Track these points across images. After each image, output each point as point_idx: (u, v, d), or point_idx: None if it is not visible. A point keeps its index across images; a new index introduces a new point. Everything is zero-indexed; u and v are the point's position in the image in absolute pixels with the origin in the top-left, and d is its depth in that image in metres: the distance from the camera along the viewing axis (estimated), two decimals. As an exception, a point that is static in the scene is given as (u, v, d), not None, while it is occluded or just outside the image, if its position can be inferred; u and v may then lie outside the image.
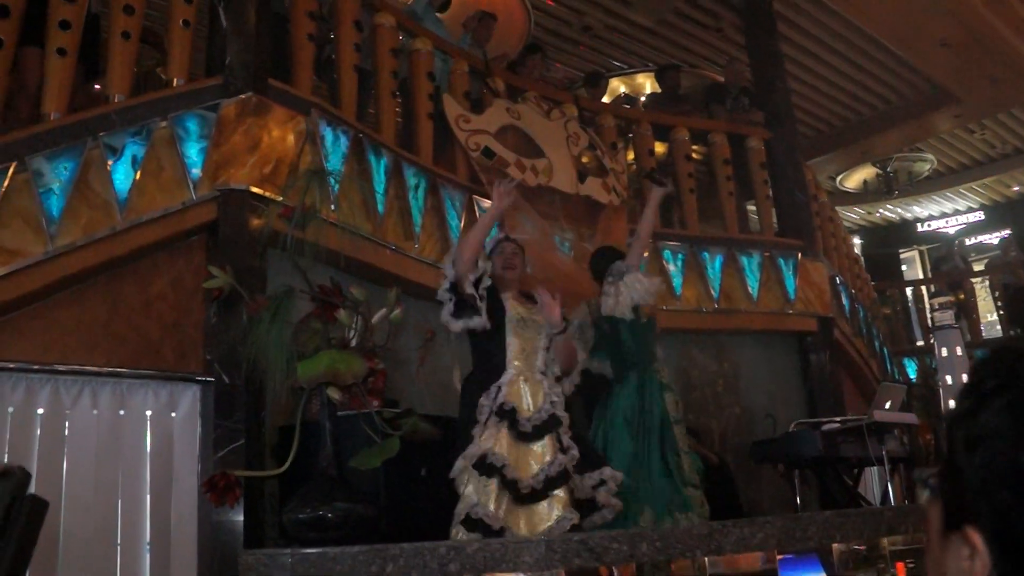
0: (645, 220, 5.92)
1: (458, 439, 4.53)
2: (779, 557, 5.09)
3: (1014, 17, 10.13)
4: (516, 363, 4.59)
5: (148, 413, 4.75)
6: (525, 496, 4.37)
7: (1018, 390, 0.87)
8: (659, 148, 8.82)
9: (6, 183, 4.42)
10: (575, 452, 4.52)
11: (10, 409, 4.32)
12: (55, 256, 4.49)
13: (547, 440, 4.48)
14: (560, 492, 4.43)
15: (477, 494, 4.30)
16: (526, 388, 4.56)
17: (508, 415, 4.44)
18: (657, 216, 5.99)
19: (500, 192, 4.78)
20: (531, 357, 4.64)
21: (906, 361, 11.45)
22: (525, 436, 4.45)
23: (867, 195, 15.66)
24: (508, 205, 4.90)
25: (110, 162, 4.78)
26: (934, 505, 0.93)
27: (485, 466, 4.33)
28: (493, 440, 4.38)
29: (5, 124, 4.84)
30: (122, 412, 4.67)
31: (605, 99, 10.05)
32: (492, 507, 4.28)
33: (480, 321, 4.57)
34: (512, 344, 4.62)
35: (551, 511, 4.40)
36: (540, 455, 4.44)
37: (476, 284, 4.59)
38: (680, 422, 5.37)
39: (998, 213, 16.99)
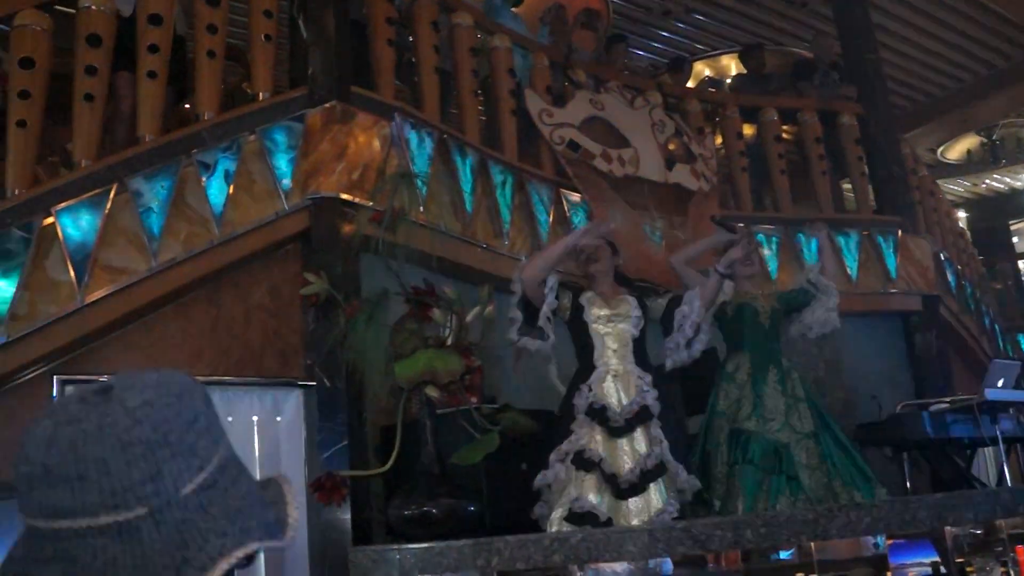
0: (691, 249, 5.83)
1: (555, 436, 4.65)
2: (889, 542, 5.09)
3: None
4: (606, 358, 4.72)
5: (255, 419, 5.01)
6: (624, 491, 4.47)
7: None
8: (747, 130, 8.85)
9: (109, 204, 4.73)
10: (666, 443, 4.59)
11: (125, 420, 4.60)
12: (158, 272, 4.79)
13: (639, 432, 4.58)
14: (658, 484, 4.52)
15: (577, 489, 4.43)
16: (617, 384, 4.66)
17: (598, 414, 4.57)
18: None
19: (589, 229, 4.96)
20: (622, 350, 4.75)
21: (1020, 337, 11.26)
22: (617, 431, 4.55)
23: (971, 166, 15.30)
24: (586, 242, 4.96)
25: (204, 178, 5.06)
26: None
27: (583, 461, 4.47)
28: (588, 437, 4.52)
29: (104, 148, 5.16)
30: (230, 418, 4.92)
31: (689, 84, 10.09)
32: (594, 499, 4.41)
33: (542, 345, 4.75)
34: (598, 341, 4.76)
35: (651, 503, 4.48)
36: (634, 448, 4.54)
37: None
38: (723, 414, 5.34)
39: (1114, 178, 16.52)
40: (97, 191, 4.74)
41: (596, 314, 4.80)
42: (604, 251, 5.01)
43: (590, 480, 4.46)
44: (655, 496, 4.50)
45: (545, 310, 4.74)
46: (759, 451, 5.08)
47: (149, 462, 1.06)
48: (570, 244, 4.92)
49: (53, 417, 1.07)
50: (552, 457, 4.53)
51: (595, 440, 4.52)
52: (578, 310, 4.82)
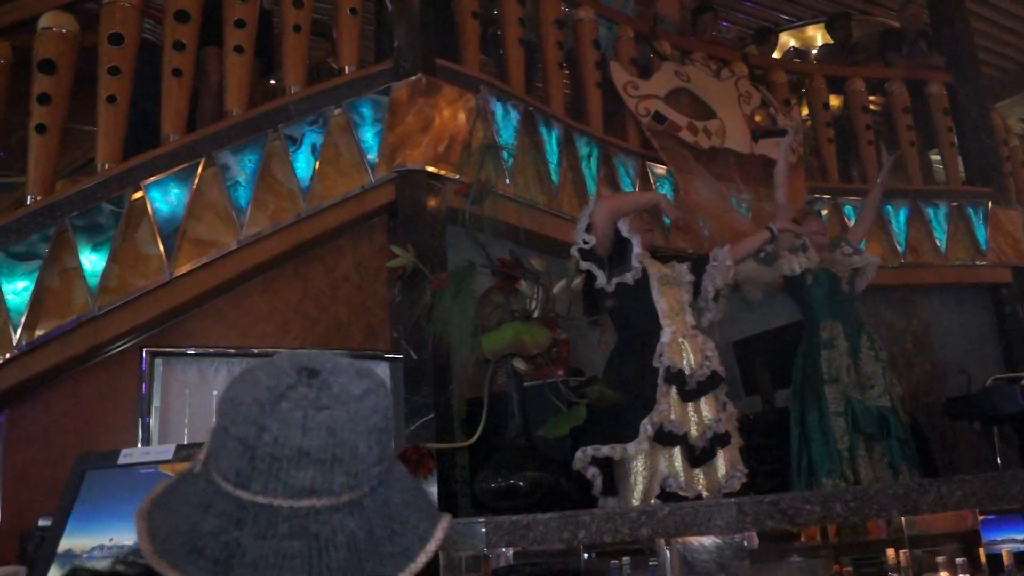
0: (778, 181, 5.46)
1: (627, 406, 4.37)
2: (981, 518, 4.88)
3: None
4: (668, 321, 4.48)
5: (341, 391, 4.88)
6: (697, 458, 4.30)
7: None
8: (834, 101, 8.53)
9: (196, 178, 4.63)
10: (732, 408, 4.46)
11: (214, 392, 4.54)
12: (246, 245, 4.69)
13: (708, 399, 4.39)
14: (728, 450, 4.35)
15: (666, 467, 4.23)
16: (685, 344, 4.44)
17: (676, 377, 4.35)
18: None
19: (676, 205, 4.75)
20: (680, 314, 4.52)
21: (1112, 309, 10.78)
22: (690, 394, 4.36)
23: (1063, 136, 14.81)
24: (670, 211, 4.82)
25: (291, 152, 4.95)
26: None
27: (665, 435, 4.26)
28: (666, 405, 4.30)
29: (192, 123, 5.05)
30: (317, 391, 4.82)
31: (775, 55, 9.79)
32: (683, 477, 4.22)
33: (628, 275, 4.51)
34: (661, 303, 4.52)
35: (718, 470, 4.32)
36: (702, 414, 4.36)
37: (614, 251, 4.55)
38: (836, 381, 5.14)
39: None
40: (185, 165, 4.66)
41: (658, 273, 4.57)
42: (656, 221, 4.89)
43: (676, 453, 4.26)
44: (721, 463, 4.34)
45: (636, 249, 4.49)
46: (868, 420, 4.90)
47: (382, 445, 1.19)
48: (654, 200, 4.75)
49: (288, 399, 1.14)
50: (643, 429, 4.24)
51: (674, 408, 4.31)
52: (641, 274, 4.55)
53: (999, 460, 6.67)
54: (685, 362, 4.41)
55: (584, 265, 4.57)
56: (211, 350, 4.60)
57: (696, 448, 4.28)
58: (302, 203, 4.88)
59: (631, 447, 4.25)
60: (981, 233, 8.08)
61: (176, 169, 4.63)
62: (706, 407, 4.37)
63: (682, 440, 4.26)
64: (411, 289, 4.90)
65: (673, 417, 4.27)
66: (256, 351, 4.70)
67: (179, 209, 4.55)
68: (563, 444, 4.60)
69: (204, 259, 4.56)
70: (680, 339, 4.45)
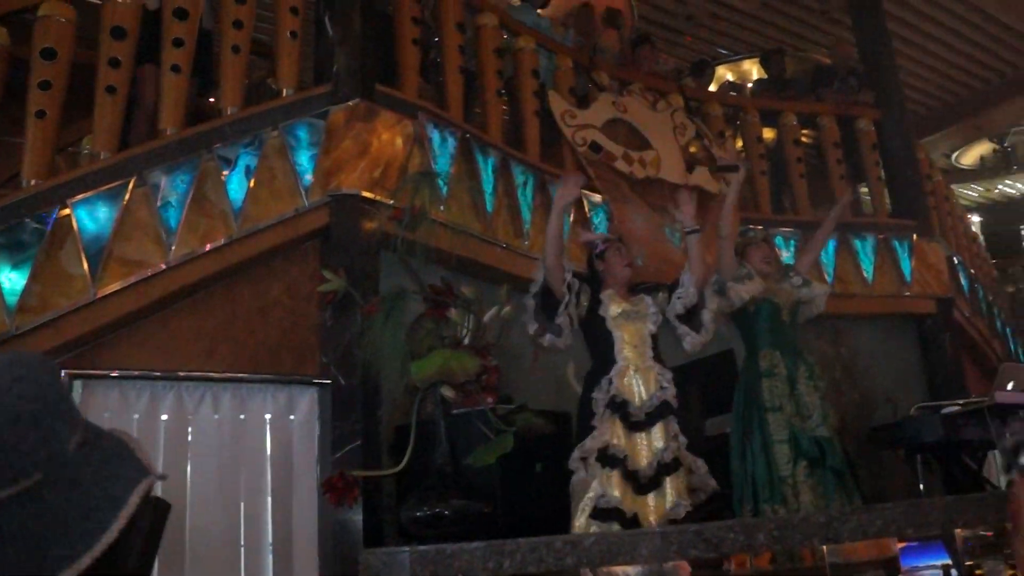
0: (725, 214, 5.23)
1: (574, 434, 4.43)
2: (902, 544, 4.85)
3: None
4: (625, 354, 4.45)
5: (267, 416, 4.75)
6: (644, 486, 4.26)
7: None
8: (768, 134, 8.57)
9: (127, 197, 4.47)
10: (683, 439, 4.40)
11: (136, 416, 4.36)
12: (174, 266, 4.53)
13: (659, 427, 4.34)
14: (674, 479, 4.30)
15: (602, 485, 4.19)
16: (637, 378, 4.41)
17: (620, 408, 4.32)
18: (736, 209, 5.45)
19: (566, 184, 4.66)
20: (640, 347, 4.48)
21: (1031, 340, 10.92)
22: (638, 425, 4.32)
23: (985, 171, 15.03)
24: (572, 196, 4.72)
25: (224, 173, 4.80)
26: None
27: (607, 457, 4.23)
28: (610, 432, 4.27)
29: (124, 141, 4.88)
30: (243, 416, 4.67)
31: (711, 87, 9.80)
32: (619, 495, 4.18)
33: (555, 340, 4.51)
34: (618, 337, 4.48)
35: (666, 498, 4.26)
36: (651, 444, 4.32)
37: (569, 289, 4.52)
38: (779, 410, 5.08)
39: (1122, 183, 16.18)
40: (115, 183, 4.48)
41: (614, 311, 4.53)
42: (613, 250, 4.72)
43: (615, 476, 4.22)
44: (670, 492, 4.27)
45: (563, 307, 4.48)
46: (810, 448, 4.84)
47: (40, 430, 1.13)
48: (558, 207, 4.61)
49: None
50: (575, 455, 4.29)
51: (617, 435, 4.29)
52: (597, 304, 4.55)
53: (922, 488, 6.68)
54: (635, 394, 4.38)
55: (529, 302, 4.54)
56: (135, 373, 4.42)
57: (643, 476, 4.24)
58: (234, 225, 4.73)
59: (573, 479, 4.27)
60: (906, 265, 8.13)
61: (105, 187, 4.45)
62: (657, 437, 4.33)
63: (622, 464, 4.22)
64: (342, 314, 4.79)
65: (615, 442, 4.24)
66: (182, 374, 4.54)
67: (106, 228, 4.37)
68: (491, 473, 4.51)
69: (130, 279, 4.39)
70: (632, 372, 4.41)
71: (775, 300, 5.27)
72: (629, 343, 4.48)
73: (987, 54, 11.40)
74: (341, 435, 4.64)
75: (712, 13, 10.28)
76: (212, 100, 5.77)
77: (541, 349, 4.75)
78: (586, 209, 6.53)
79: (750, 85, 10.70)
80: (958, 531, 4.31)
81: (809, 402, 5.01)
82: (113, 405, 4.31)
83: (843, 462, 4.99)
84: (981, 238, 11.60)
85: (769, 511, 4.76)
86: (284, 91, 5.29)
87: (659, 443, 4.31)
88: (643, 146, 7.06)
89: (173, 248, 4.51)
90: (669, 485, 4.28)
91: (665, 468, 4.28)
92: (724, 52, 11.16)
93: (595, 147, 6.72)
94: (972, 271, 9.45)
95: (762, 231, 7.32)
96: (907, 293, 8.09)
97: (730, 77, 11.23)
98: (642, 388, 4.40)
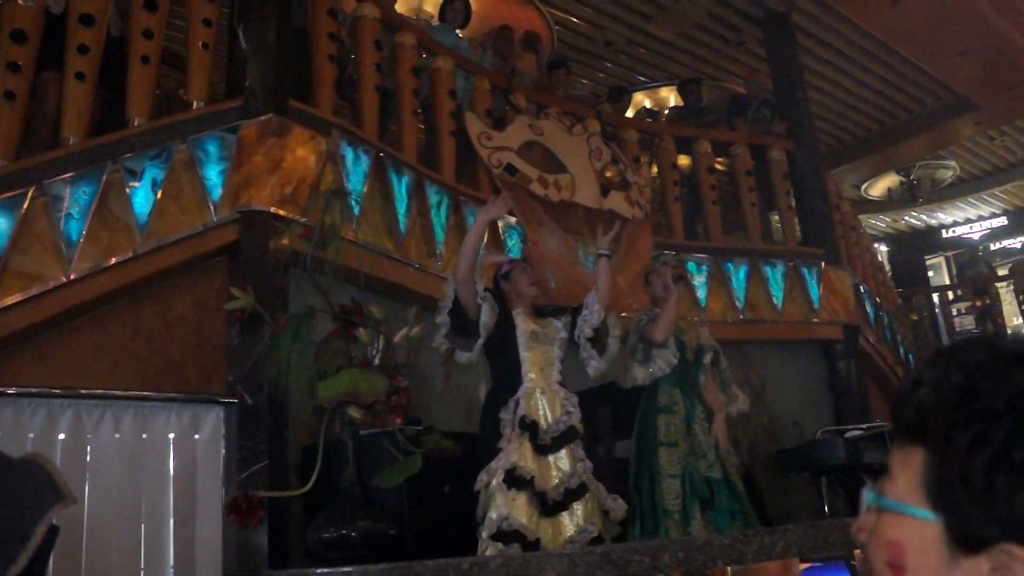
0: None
1: (481, 455, 4.37)
2: (805, 566, 4.92)
3: (1030, 26, 9.97)
4: (532, 376, 4.44)
5: (171, 436, 4.63)
6: (550, 508, 4.24)
7: None
8: (682, 161, 8.70)
9: (24, 208, 4.32)
10: (589, 463, 4.40)
11: (31, 435, 4.20)
12: (76, 280, 4.39)
13: (565, 452, 4.34)
14: (581, 503, 4.30)
15: (507, 507, 4.14)
16: (543, 400, 4.40)
17: (529, 427, 4.30)
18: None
19: (491, 205, 4.71)
20: (546, 370, 4.48)
21: (933, 367, 11.19)
22: (544, 448, 4.31)
23: (892, 203, 15.43)
24: (499, 213, 4.79)
25: (130, 185, 4.67)
26: (901, 524, 0.90)
27: (514, 479, 4.19)
28: (518, 454, 4.24)
29: (24, 149, 4.73)
30: (144, 435, 4.55)
31: (628, 113, 9.90)
32: (524, 519, 4.14)
33: (469, 356, 4.50)
34: (526, 358, 4.47)
35: (573, 522, 4.26)
36: (559, 467, 4.31)
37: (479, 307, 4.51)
38: (674, 446, 5.10)
39: (1020, 218, 16.74)
40: (13, 193, 4.32)
41: (525, 331, 4.52)
42: (519, 270, 4.74)
43: (521, 498, 4.18)
44: (579, 515, 4.27)
45: (483, 318, 4.45)
46: (701, 487, 4.87)
47: None
48: (482, 221, 4.66)
49: None
50: (481, 476, 4.24)
51: (524, 457, 4.24)
52: (508, 321, 4.53)
53: (827, 509, 6.80)
54: (542, 416, 4.36)
55: (442, 320, 4.50)
56: (32, 390, 4.26)
57: (550, 499, 4.22)
58: (139, 239, 4.61)
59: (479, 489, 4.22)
60: (815, 292, 8.29)
61: (2, 197, 4.30)
62: (564, 460, 4.32)
63: (529, 485, 4.18)
64: (250, 332, 4.70)
65: (522, 463, 4.20)
66: (83, 392, 4.40)
67: (2, 239, 4.22)
68: (398, 494, 4.47)
69: (28, 293, 4.23)
70: (539, 394, 4.40)
71: (682, 339, 5.31)
72: (536, 365, 4.47)
73: (895, 90, 11.68)
74: (247, 455, 4.54)
75: (630, 40, 10.37)
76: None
77: (452, 370, 4.73)
78: (500, 231, 6.53)
79: (666, 112, 10.83)
80: (857, 551, 4.34)
81: (704, 441, 5.06)
82: (6, 423, 4.14)
83: (737, 500, 5.02)
84: (887, 267, 11.88)
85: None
86: (195, 103, 5.18)
87: (566, 467, 4.30)
88: (558, 169, 7.09)
89: (74, 261, 4.37)
90: (579, 509, 4.27)
91: (573, 493, 4.27)
92: (642, 79, 11.28)
93: (510, 169, 6.73)
94: (878, 299, 9.70)
95: (674, 255, 7.43)
96: (815, 320, 8.25)
97: (647, 104, 11.36)
98: (548, 412, 4.39)
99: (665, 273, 5.34)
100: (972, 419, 0.85)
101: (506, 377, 4.49)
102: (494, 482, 4.20)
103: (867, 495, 0.95)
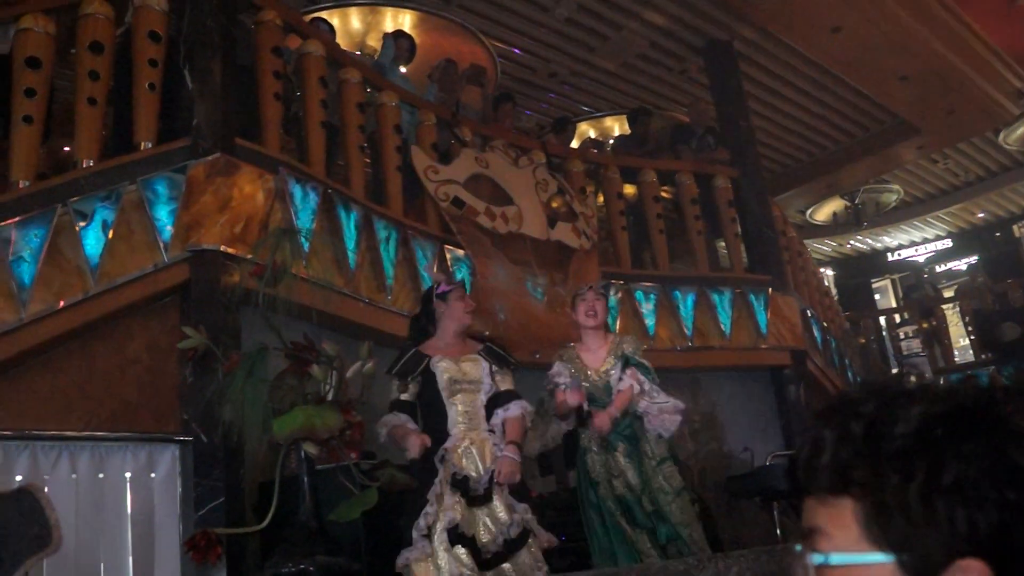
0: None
1: (410, 506, 4.29)
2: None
3: (969, 52, 10.37)
4: (460, 426, 4.40)
5: (127, 475, 4.75)
6: (488, 561, 4.16)
7: (981, 431, 0.91)
8: (628, 190, 8.89)
9: (-25, 252, 4.43)
10: (526, 507, 4.31)
11: (-17, 477, 4.31)
12: (28, 323, 4.50)
13: (497, 500, 4.28)
14: (525, 550, 4.25)
15: (452, 564, 4.08)
16: (472, 450, 4.35)
17: (461, 484, 4.24)
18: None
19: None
20: (474, 417, 4.44)
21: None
22: (477, 499, 4.26)
23: (837, 227, 15.81)
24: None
25: (80, 226, 4.79)
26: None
27: (456, 535, 4.12)
28: (453, 510, 4.16)
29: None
30: (101, 475, 4.66)
31: (573, 143, 10.12)
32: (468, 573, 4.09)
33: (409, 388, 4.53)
34: (451, 409, 4.43)
35: (519, 573, 4.21)
36: (496, 517, 4.25)
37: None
38: (605, 482, 5.14)
39: (965, 240, 17.20)
40: (-38, 238, 4.43)
41: (446, 377, 4.46)
42: (457, 295, 4.68)
43: (465, 555, 4.11)
44: (526, 563, 4.22)
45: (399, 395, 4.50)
46: (643, 521, 4.96)
47: None
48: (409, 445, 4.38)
49: None
50: (414, 534, 4.12)
51: (459, 511, 4.17)
52: (429, 375, 4.48)
53: (779, 534, 6.96)
54: (472, 467, 4.31)
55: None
56: (-12, 433, 4.38)
57: (485, 552, 4.16)
58: (91, 281, 4.74)
59: (413, 552, 4.11)
60: (762, 318, 8.52)
61: (-48, 242, 4.42)
62: (500, 510, 4.26)
63: (470, 542, 4.14)
64: (203, 371, 4.82)
65: (459, 519, 4.14)
66: (36, 433, 4.51)
67: (-45, 284, 4.34)
68: (355, 528, 4.60)
69: (-19, 337, 4.35)
70: (468, 444, 4.36)
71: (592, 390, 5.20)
72: (462, 413, 4.43)
73: (839, 116, 12.03)
74: (203, 492, 4.66)
75: (574, 71, 10.63)
76: (68, 149, 5.75)
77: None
78: (449, 263, 6.71)
79: (612, 141, 11.06)
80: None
81: (630, 476, 5.08)
82: (-41, 465, 4.26)
83: (674, 529, 5.03)
84: (834, 291, 12.17)
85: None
86: (143, 144, 5.30)
87: (503, 516, 4.25)
88: (505, 201, 7.29)
89: (27, 304, 4.49)
90: (524, 557, 4.23)
91: (512, 544, 4.22)
92: (586, 109, 11.53)
93: (458, 202, 6.92)
94: (825, 324, 9.97)
95: (622, 284, 7.65)
96: (763, 346, 8.47)
97: (592, 133, 11.60)
98: (478, 461, 4.34)
99: (590, 298, 5.26)
100: (894, 458, 0.91)
101: (434, 428, 4.44)
102: (435, 541, 4.12)
103: (812, 558, 0.96)
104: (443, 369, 4.47)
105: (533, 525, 4.32)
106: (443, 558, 4.10)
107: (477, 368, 4.54)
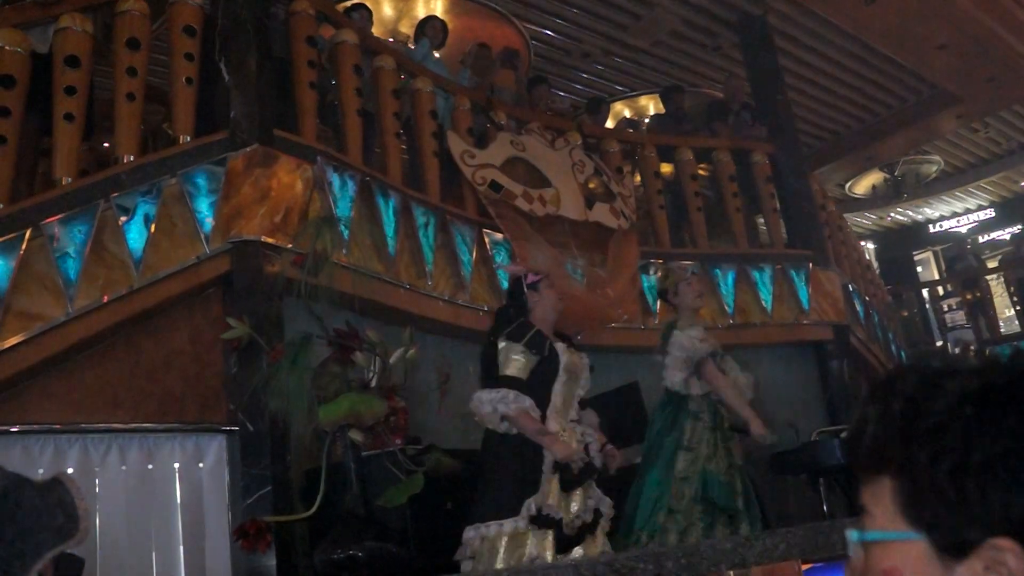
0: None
1: (484, 480, 4.29)
2: (807, 567, 5.07)
3: (1008, 17, 10.16)
4: (556, 413, 4.33)
5: (176, 466, 4.81)
6: (564, 545, 4.18)
7: (1012, 409, 0.90)
8: (665, 169, 8.85)
9: (22, 249, 4.50)
10: (600, 493, 4.36)
11: (40, 471, 4.35)
12: (75, 318, 4.56)
13: (582, 487, 4.31)
14: (594, 535, 4.29)
15: (538, 548, 4.10)
16: (566, 437, 4.30)
17: (564, 467, 4.21)
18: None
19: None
20: (567, 408, 4.40)
21: (925, 363, 11.38)
22: (569, 484, 4.26)
23: (877, 200, 15.64)
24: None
25: (123, 221, 4.85)
26: (890, 551, 0.95)
27: (543, 518, 4.13)
28: (547, 493, 4.17)
29: (18, 191, 4.92)
30: (150, 466, 4.72)
31: (608, 123, 10.10)
32: (549, 557, 4.10)
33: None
34: (558, 394, 4.36)
35: (596, 549, 4.25)
36: (574, 503, 4.28)
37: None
38: (694, 451, 5.21)
39: (1008, 209, 16.91)
40: (10, 235, 4.51)
41: (567, 363, 4.39)
42: (548, 285, 4.63)
43: (549, 539, 4.13)
44: (600, 540, 4.30)
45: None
46: (719, 490, 5.02)
47: None
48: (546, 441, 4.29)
49: None
50: (526, 508, 4.09)
51: (553, 495, 4.19)
52: (552, 357, 4.37)
53: (826, 510, 6.93)
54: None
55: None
56: (37, 427, 4.45)
57: (565, 536, 4.17)
58: (135, 274, 4.79)
59: (508, 524, 4.09)
60: (804, 293, 8.45)
61: (0, 240, 4.48)
62: (579, 496, 4.29)
63: (557, 524, 4.15)
64: (247, 361, 4.86)
65: (551, 502, 4.16)
66: (86, 427, 4.58)
67: (3, 281, 4.40)
68: (402, 513, 4.61)
69: (30, 333, 4.42)
70: (562, 433, 4.30)
71: (719, 351, 5.42)
72: (562, 403, 4.37)
73: (875, 87, 11.86)
74: (251, 481, 4.71)
75: (607, 51, 10.57)
76: (107, 145, 5.81)
77: (447, 389, 4.85)
78: (488, 248, 6.72)
79: (647, 120, 11.01)
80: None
81: (721, 448, 5.19)
82: (15, 461, 4.31)
83: (736, 502, 5.13)
84: (875, 265, 12.06)
85: (645, 537, 4.93)
86: (181, 138, 5.36)
87: (578, 504, 4.28)
88: (543, 184, 7.27)
89: (73, 300, 4.55)
90: (597, 539, 4.28)
91: (587, 527, 4.26)
92: (620, 88, 11.48)
93: (495, 186, 6.92)
94: (867, 297, 9.87)
95: (662, 263, 7.62)
96: (805, 321, 8.40)
97: (627, 113, 11.54)
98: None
99: (694, 282, 5.46)
100: (925, 436, 0.91)
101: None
102: (521, 522, 4.10)
103: (851, 535, 1.00)
104: (563, 354, 4.41)
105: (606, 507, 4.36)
106: (531, 540, 4.10)
107: (582, 361, 4.52)
